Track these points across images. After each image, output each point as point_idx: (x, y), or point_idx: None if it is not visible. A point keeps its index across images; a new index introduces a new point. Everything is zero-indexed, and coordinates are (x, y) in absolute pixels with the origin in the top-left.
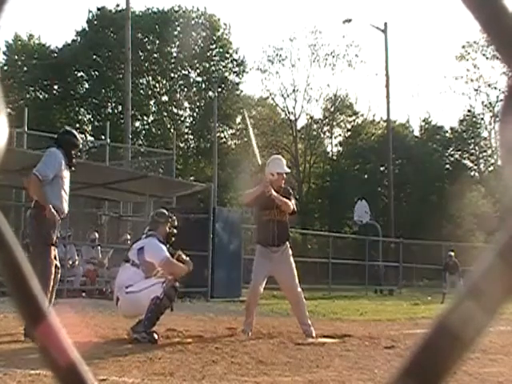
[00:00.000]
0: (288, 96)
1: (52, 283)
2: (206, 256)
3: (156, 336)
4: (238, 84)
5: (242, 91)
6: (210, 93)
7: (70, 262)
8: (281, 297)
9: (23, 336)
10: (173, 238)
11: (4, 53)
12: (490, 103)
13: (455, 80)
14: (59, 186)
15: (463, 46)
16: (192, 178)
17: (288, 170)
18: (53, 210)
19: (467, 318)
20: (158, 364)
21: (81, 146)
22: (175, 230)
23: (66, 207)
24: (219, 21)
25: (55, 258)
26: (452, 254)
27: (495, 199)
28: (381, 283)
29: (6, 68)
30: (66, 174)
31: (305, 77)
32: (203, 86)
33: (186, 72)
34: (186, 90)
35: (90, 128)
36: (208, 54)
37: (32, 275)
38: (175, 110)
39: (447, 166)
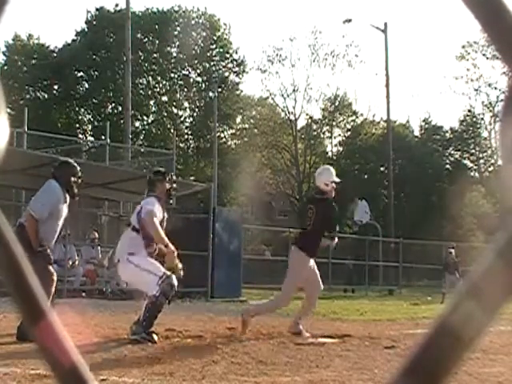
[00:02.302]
0: (288, 96)
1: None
2: (206, 256)
3: (155, 337)
4: (238, 84)
5: (242, 91)
6: (210, 93)
7: (70, 262)
8: None
9: (16, 338)
10: (174, 193)
11: (4, 53)
12: (490, 103)
13: (455, 80)
14: (53, 222)
15: (463, 46)
16: (192, 178)
17: (339, 180)
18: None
19: (467, 318)
20: (157, 364)
21: (79, 173)
22: (175, 185)
23: (53, 242)
24: (219, 21)
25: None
26: (452, 250)
27: (495, 199)
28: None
29: (6, 68)
30: (64, 209)
31: (305, 77)
32: (203, 86)
33: (186, 72)
34: (186, 90)
35: (89, 128)
36: (208, 54)
37: (32, 274)
38: (175, 110)
39: (447, 166)
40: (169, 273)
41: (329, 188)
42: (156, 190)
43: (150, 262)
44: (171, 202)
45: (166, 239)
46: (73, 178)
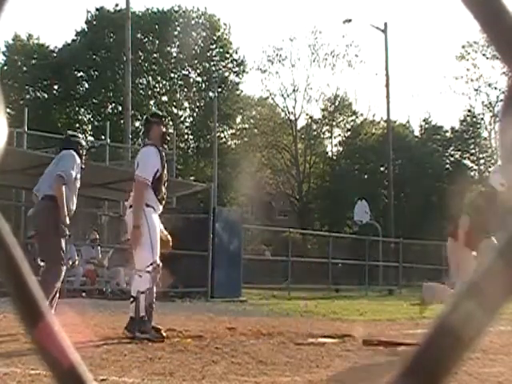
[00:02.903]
0: (288, 96)
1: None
2: (206, 256)
3: (164, 333)
4: (237, 84)
5: (242, 91)
6: (210, 93)
7: (70, 262)
8: (281, 297)
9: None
10: (168, 138)
11: (4, 53)
12: (490, 103)
13: (455, 80)
14: (74, 187)
15: (463, 46)
16: (192, 178)
17: None
18: (66, 214)
19: (467, 318)
20: (158, 364)
21: (85, 145)
22: (170, 130)
23: (74, 207)
24: (219, 21)
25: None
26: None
27: None
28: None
29: (6, 68)
30: (79, 176)
31: (305, 77)
32: (203, 86)
33: (186, 72)
34: (186, 90)
35: (89, 128)
36: (208, 54)
37: (31, 276)
38: (175, 110)
39: (447, 165)
40: (158, 261)
41: (504, 188)
42: (151, 134)
43: (156, 236)
44: (166, 147)
45: (139, 218)
46: (83, 151)
